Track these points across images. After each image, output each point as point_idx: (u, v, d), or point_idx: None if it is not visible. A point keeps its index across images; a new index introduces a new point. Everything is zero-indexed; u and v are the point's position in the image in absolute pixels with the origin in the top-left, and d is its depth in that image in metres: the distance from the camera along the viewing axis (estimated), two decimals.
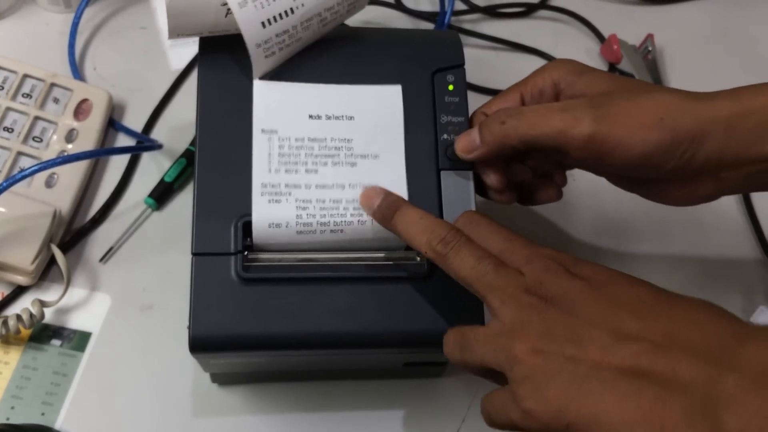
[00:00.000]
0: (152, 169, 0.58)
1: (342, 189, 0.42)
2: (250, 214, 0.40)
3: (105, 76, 0.63)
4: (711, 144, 0.39)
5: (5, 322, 0.48)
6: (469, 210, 0.42)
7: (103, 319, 0.52)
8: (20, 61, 0.57)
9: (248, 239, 0.41)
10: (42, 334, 0.51)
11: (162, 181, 0.57)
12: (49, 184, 0.54)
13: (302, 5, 0.41)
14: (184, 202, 0.57)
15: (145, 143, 0.58)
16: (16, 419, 0.48)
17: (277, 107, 0.43)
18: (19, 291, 0.52)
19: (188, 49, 0.65)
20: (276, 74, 0.44)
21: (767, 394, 0.29)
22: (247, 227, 0.41)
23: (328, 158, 0.42)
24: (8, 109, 0.56)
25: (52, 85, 0.57)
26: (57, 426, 0.48)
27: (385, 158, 0.43)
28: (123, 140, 0.60)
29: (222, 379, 0.49)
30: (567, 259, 0.37)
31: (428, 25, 0.70)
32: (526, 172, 0.45)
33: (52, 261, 0.52)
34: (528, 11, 0.73)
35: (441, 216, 0.43)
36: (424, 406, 0.51)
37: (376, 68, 0.45)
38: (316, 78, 0.44)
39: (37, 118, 0.56)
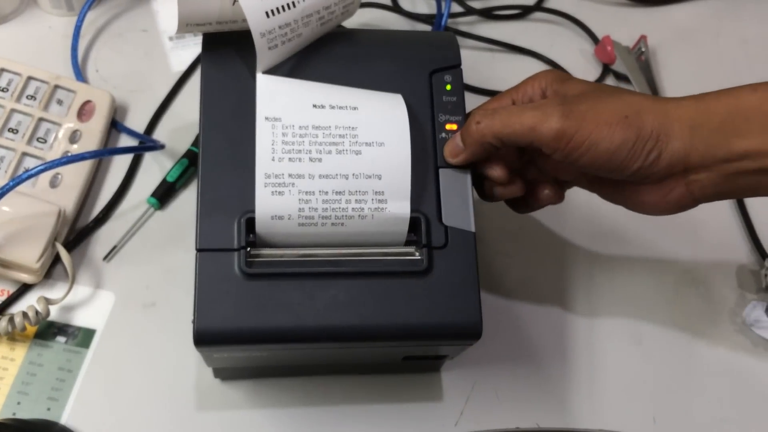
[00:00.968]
0: (154, 169, 0.59)
1: (345, 179, 0.42)
2: (253, 211, 0.41)
3: (107, 78, 0.63)
4: (676, 143, 0.40)
5: (11, 320, 0.49)
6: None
7: (107, 316, 0.52)
8: (24, 64, 0.58)
9: (251, 235, 0.42)
10: (47, 331, 0.51)
11: (164, 181, 0.57)
12: (53, 184, 0.55)
13: (303, 0, 0.43)
14: (186, 201, 0.58)
15: (147, 143, 0.59)
16: (23, 414, 0.49)
17: (281, 97, 0.43)
18: (24, 289, 0.53)
19: (189, 51, 0.66)
20: (277, 73, 0.44)
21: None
22: (250, 224, 0.41)
23: (332, 146, 0.42)
24: (13, 110, 0.56)
25: (56, 86, 0.58)
26: (63, 421, 0.49)
27: (391, 145, 0.43)
28: (125, 141, 0.61)
29: (224, 374, 0.50)
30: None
31: (425, 27, 0.72)
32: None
33: (57, 259, 0.53)
34: (523, 13, 0.74)
35: (440, 214, 0.43)
36: (423, 400, 0.52)
37: (376, 68, 0.46)
38: (316, 79, 0.45)
39: (41, 119, 0.57)
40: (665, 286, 0.59)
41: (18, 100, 0.57)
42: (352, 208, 0.42)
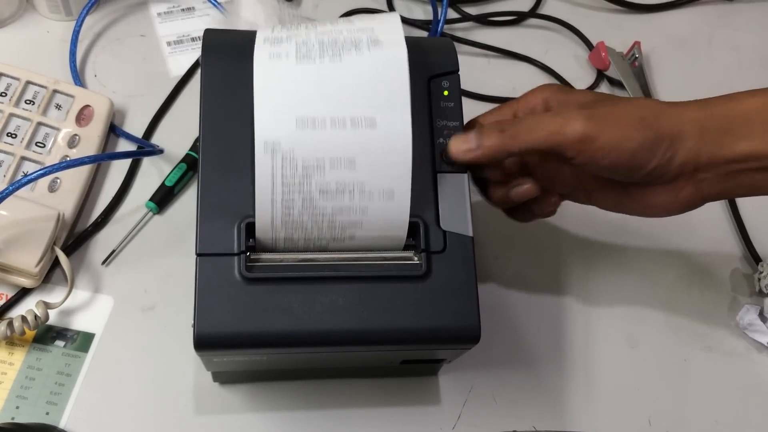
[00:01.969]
0: (153, 174, 0.59)
1: (350, 196, 0.42)
2: (252, 215, 0.42)
3: (105, 83, 0.64)
4: (688, 143, 0.42)
5: (10, 324, 0.49)
6: None
7: (105, 320, 0.53)
8: (23, 68, 0.58)
9: (251, 240, 0.42)
10: (46, 335, 0.52)
11: (163, 185, 0.58)
12: (52, 188, 0.55)
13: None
14: (184, 205, 0.58)
15: (145, 148, 0.59)
16: (21, 419, 0.49)
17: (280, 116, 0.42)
18: (23, 293, 0.53)
19: (187, 56, 0.67)
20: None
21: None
22: (250, 228, 0.42)
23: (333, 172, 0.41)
24: (12, 115, 0.57)
25: (55, 91, 0.59)
26: (61, 425, 0.49)
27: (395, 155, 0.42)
28: (124, 146, 0.61)
29: (223, 378, 0.51)
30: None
31: (422, 33, 0.72)
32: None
33: (55, 264, 0.53)
34: (518, 20, 0.75)
35: (437, 218, 0.44)
36: (421, 403, 0.52)
37: None
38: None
39: (39, 123, 0.57)
40: (660, 290, 0.60)
41: (16, 104, 0.57)
42: (353, 219, 0.42)
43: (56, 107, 0.58)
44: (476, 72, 0.71)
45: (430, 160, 0.45)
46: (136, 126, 0.62)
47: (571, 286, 0.59)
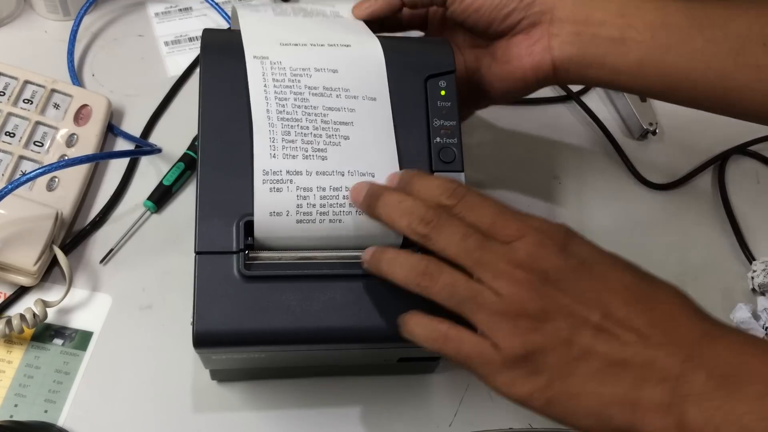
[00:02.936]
0: (151, 173, 0.59)
1: (342, 176, 0.43)
2: (251, 214, 0.42)
3: (103, 83, 0.64)
4: None
5: (9, 322, 0.49)
6: (452, 180, 0.41)
7: (104, 318, 0.53)
8: (21, 68, 0.58)
9: (249, 238, 0.42)
10: (44, 333, 0.52)
11: (161, 185, 0.58)
12: (50, 187, 0.55)
13: None
14: (182, 205, 0.59)
15: (143, 147, 0.59)
16: (20, 417, 0.49)
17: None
18: (21, 291, 0.53)
19: (185, 56, 0.67)
20: None
21: (729, 392, 0.32)
22: (249, 227, 0.42)
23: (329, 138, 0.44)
24: (10, 114, 0.57)
25: (53, 91, 0.59)
26: (60, 423, 0.49)
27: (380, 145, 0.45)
28: (122, 145, 0.61)
29: (221, 376, 0.51)
30: (559, 233, 0.38)
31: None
32: None
33: (54, 262, 0.53)
34: None
35: None
36: (418, 401, 0.53)
37: None
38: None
39: (38, 123, 0.57)
40: None
41: (15, 103, 0.57)
42: (350, 204, 0.43)
43: (54, 106, 0.59)
44: None
45: (428, 159, 0.46)
46: (134, 125, 0.62)
47: None
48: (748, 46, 0.45)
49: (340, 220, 0.43)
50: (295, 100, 0.44)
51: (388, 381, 0.53)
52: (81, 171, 0.56)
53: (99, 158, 0.58)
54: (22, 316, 0.49)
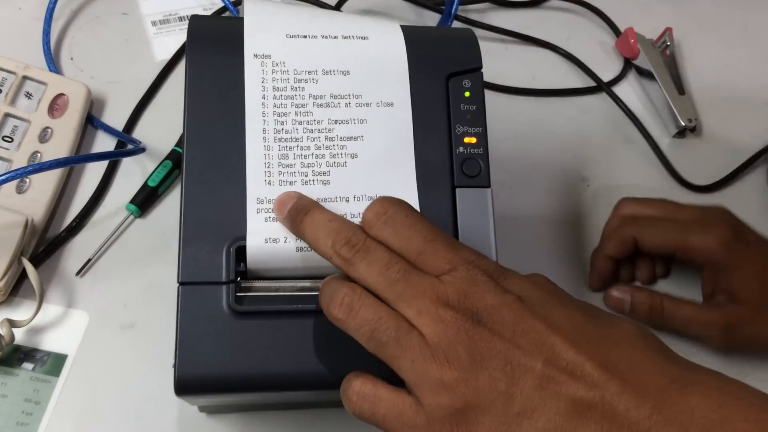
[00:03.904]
0: (135, 172, 0.54)
1: (346, 202, 0.38)
2: (244, 238, 0.36)
3: (83, 67, 0.58)
4: None
5: None
6: (386, 198, 0.35)
7: (80, 339, 0.47)
8: None
9: (242, 264, 0.37)
10: (12, 356, 0.46)
11: (145, 186, 0.52)
12: (20, 189, 0.49)
13: None
14: (169, 208, 0.53)
15: (126, 146, 0.53)
16: None
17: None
18: None
19: (174, 37, 0.61)
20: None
21: None
22: (241, 252, 0.36)
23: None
24: None
25: (24, 78, 0.53)
26: None
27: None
28: (102, 139, 0.55)
29: (210, 408, 0.46)
30: (494, 268, 0.33)
31: (433, 15, 0.66)
32: None
33: (23, 275, 0.48)
34: (539, 1, 0.69)
35: (456, 238, 0.38)
36: None
37: None
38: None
39: (7, 115, 0.51)
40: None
41: None
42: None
43: (26, 96, 0.52)
44: (492, 59, 0.64)
45: (449, 172, 0.40)
46: (116, 116, 0.56)
47: (570, 289, 0.54)
48: None
49: None
50: (296, 114, 0.39)
51: None
52: (55, 171, 0.50)
53: (74, 162, 0.52)
54: None
